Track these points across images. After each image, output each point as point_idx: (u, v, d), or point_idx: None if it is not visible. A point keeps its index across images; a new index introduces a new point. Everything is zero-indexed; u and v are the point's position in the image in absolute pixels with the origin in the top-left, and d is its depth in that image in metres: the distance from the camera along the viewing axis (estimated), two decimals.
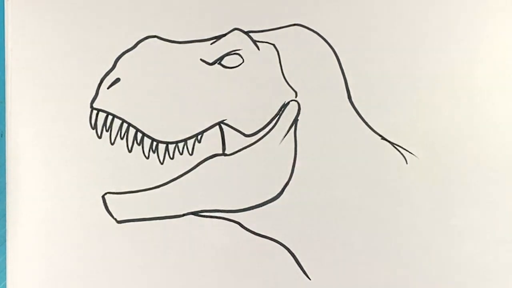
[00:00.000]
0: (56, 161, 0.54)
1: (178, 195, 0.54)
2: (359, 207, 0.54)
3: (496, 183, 0.55)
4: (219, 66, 0.55)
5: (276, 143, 0.55)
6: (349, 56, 0.55)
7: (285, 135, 0.55)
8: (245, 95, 0.55)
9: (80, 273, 0.54)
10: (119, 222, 0.54)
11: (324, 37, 0.55)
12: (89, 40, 0.55)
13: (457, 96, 0.55)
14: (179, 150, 0.54)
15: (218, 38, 0.55)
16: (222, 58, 0.55)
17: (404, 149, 0.55)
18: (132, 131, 0.54)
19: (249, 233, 0.54)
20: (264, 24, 0.55)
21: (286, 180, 0.54)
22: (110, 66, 0.55)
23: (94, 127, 0.54)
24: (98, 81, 0.54)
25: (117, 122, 0.54)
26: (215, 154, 0.55)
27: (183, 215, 0.54)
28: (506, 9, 0.56)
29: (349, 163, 0.55)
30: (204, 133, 0.54)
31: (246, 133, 0.55)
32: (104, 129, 0.54)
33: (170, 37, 0.55)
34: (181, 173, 0.54)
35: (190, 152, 0.54)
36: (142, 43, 0.55)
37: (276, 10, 0.55)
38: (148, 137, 0.54)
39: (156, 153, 0.54)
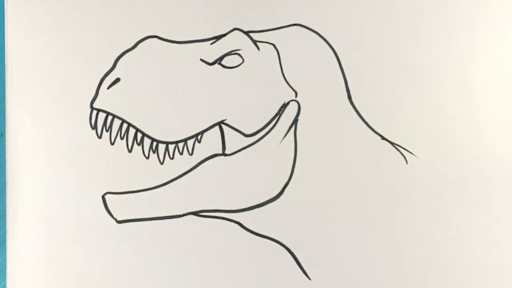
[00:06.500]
0: (56, 161, 0.54)
1: (178, 195, 0.54)
2: (359, 207, 0.54)
3: (496, 183, 0.55)
4: (219, 66, 0.55)
5: (276, 143, 0.55)
6: (349, 56, 0.55)
7: (285, 135, 0.55)
8: (245, 95, 0.55)
9: (80, 273, 0.54)
10: (119, 222, 0.54)
11: (324, 37, 0.55)
12: (89, 40, 0.55)
13: (457, 96, 0.55)
14: (179, 150, 0.54)
15: (218, 38, 0.55)
16: (222, 58, 0.55)
17: (404, 149, 0.55)
18: (132, 131, 0.54)
19: (249, 233, 0.54)
20: (264, 24, 0.55)
21: (286, 180, 0.54)
22: (110, 66, 0.55)
23: (94, 127, 0.54)
24: (98, 81, 0.54)
25: (117, 122, 0.54)
26: (215, 154, 0.55)
27: (183, 215, 0.54)
28: (506, 9, 0.56)
29: (349, 163, 0.55)
30: (204, 133, 0.54)
31: (246, 133, 0.55)
32: (104, 129, 0.54)
33: (170, 37, 0.55)
34: (181, 173, 0.54)
35: (190, 152, 0.54)
36: (142, 43, 0.55)
37: (276, 10, 0.55)
38: (148, 137, 0.54)
39: (156, 153, 0.54)
